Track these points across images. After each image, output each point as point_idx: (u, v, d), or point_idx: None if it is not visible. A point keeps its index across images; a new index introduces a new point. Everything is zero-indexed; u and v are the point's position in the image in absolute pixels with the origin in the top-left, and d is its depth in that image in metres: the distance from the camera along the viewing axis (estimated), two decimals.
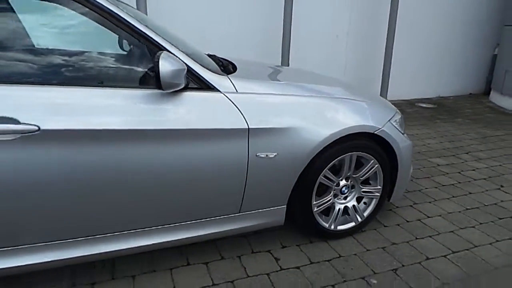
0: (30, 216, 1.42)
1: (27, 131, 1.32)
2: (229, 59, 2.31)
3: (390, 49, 5.44)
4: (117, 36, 1.80)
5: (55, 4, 1.47)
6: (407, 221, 2.41)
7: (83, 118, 1.40)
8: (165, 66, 1.39)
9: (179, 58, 1.52)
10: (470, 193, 2.86)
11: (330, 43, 5.51)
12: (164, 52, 1.43)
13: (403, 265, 1.97)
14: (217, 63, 1.95)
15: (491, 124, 4.90)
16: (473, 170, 3.32)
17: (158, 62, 1.38)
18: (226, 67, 2.01)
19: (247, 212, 1.87)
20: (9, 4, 1.52)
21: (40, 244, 1.49)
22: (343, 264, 1.96)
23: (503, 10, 6.54)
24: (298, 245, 2.11)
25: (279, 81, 2.03)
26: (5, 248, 1.44)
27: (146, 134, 1.50)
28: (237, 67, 2.06)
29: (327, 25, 5.39)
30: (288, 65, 4.79)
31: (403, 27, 5.63)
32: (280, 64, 4.77)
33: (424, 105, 6.02)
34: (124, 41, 2.14)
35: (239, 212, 1.85)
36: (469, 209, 2.60)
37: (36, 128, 1.33)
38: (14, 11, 1.52)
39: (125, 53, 1.83)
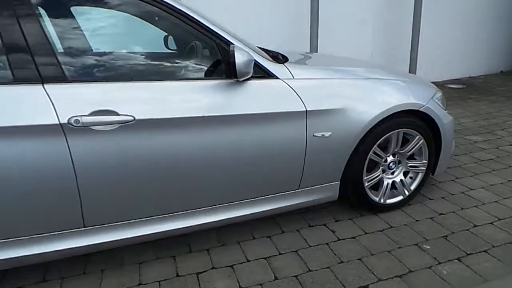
0: (125, 196, 1.65)
1: (125, 122, 1.54)
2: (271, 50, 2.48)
3: (417, 31, 5.47)
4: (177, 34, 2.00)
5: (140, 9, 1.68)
6: (451, 194, 2.54)
7: (170, 108, 1.61)
8: (240, 57, 1.58)
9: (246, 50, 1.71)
10: (510, 166, 2.94)
11: (355, 26, 5.58)
12: (236, 45, 1.62)
13: (452, 232, 2.11)
14: (267, 54, 2.13)
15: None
16: (510, 145, 3.39)
17: (233, 54, 1.57)
18: (277, 57, 2.19)
19: (306, 188, 2.05)
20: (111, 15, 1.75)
21: (141, 219, 1.72)
22: (396, 233, 2.12)
23: None
24: (350, 219, 2.28)
25: (327, 66, 2.19)
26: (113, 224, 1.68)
27: (224, 119, 1.70)
28: (287, 56, 2.23)
29: (352, 9, 5.46)
30: (317, 51, 4.91)
31: (428, 7, 5.63)
32: (309, 51, 4.89)
33: (454, 86, 6.02)
34: (170, 38, 2.36)
35: (299, 188, 2.03)
36: (510, 180, 2.70)
37: (132, 118, 1.55)
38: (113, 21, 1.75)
39: (193, 49, 2.03)
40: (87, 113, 1.50)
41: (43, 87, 1.47)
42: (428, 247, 1.99)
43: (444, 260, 1.87)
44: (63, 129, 1.47)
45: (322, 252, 1.96)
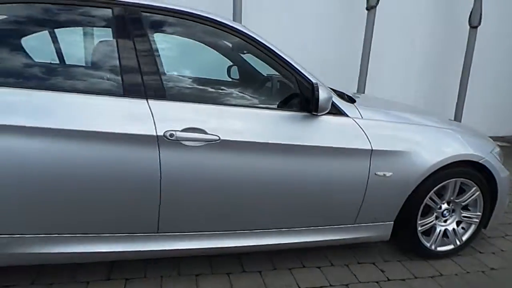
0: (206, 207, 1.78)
1: (211, 140, 1.70)
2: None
3: (465, 86, 5.52)
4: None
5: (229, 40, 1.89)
6: (502, 250, 2.51)
7: (251, 133, 1.77)
8: (323, 94, 1.74)
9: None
10: None
11: (402, 76, 5.70)
12: (319, 83, 1.78)
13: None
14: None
15: None
16: None
17: (318, 90, 1.72)
18: (343, 97, 2.33)
19: (360, 224, 2.12)
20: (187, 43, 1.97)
21: (207, 232, 1.84)
22: (446, 282, 2.11)
23: None
24: (399, 261, 2.30)
25: (391, 110, 2.30)
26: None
27: (297, 149, 1.83)
28: (353, 97, 2.36)
29: (401, 56, 5.61)
30: (364, 92, 5.05)
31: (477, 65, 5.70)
32: (356, 91, 5.03)
33: (499, 143, 5.94)
34: (234, 68, 2.55)
35: (354, 223, 2.10)
36: None
37: (218, 138, 1.71)
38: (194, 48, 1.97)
39: (269, 81, 2.21)
40: (180, 129, 1.67)
41: (147, 102, 1.67)
42: None
43: None
44: (158, 141, 1.65)
45: None
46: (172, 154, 1.67)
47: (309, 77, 1.89)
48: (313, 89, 1.78)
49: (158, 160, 1.66)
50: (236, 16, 4.52)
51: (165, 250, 1.82)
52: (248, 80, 2.42)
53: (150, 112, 1.65)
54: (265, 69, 2.28)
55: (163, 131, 1.65)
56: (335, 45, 5.29)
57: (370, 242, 2.27)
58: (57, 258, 1.71)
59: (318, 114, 1.81)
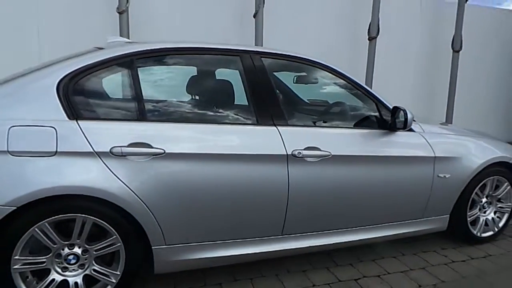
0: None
1: (325, 156, 2.15)
2: None
3: (452, 97, 6.28)
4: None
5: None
6: None
7: (352, 148, 2.24)
8: (410, 116, 2.25)
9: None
10: None
11: (398, 90, 6.40)
12: (402, 107, 2.28)
13: None
14: None
15: None
16: None
17: (406, 113, 2.23)
18: None
19: (427, 218, 2.61)
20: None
21: (320, 232, 2.26)
22: (496, 260, 2.62)
23: None
24: (454, 248, 2.79)
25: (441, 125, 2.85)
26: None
27: (380, 159, 2.31)
28: None
29: (398, 75, 6.31)
30: None
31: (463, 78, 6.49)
32: None
33: None
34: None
35: (422, 218, 2.59)
36: None
37: (329, 154, 2.16)
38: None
39: (340, 107, 2.69)
40: (303, 148, 2.11)
41: (277, 128, 2.11)
42: None
43: (500, 269, 2.38)
44: (287, 159, 2.08)
45: (444, 270, 2.46)
46: (298, 168, 2.10)
47: (385, 102, 2.41)
48: (394, 111, 2.29)
49: (287, 175, 2.08)
50: (258, 39, 5.06)
51: (287, 249, 2.21)
52: (337, 107, 2.88)
53: (279, 136, 2.09)
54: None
55: (291, 150, 2.08)
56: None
57: (431, 233, 2.74)
58: (220, 261, 2.07)
59: (405, 130, 2.32)
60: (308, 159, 2.12)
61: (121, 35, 4.67)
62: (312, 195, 2.17)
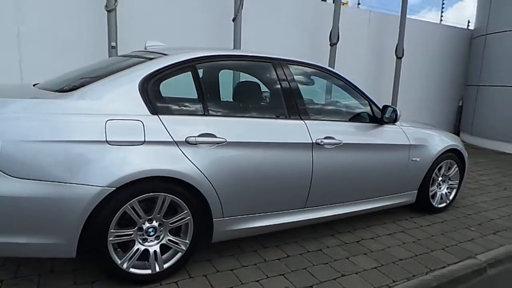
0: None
1: (338, 143, 2.72)
2: None
3: (396, 93, 7.32)
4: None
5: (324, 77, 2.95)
6: (466, 205, 3.98)
7: (355, 138, 2.84)
8: (399, 112, 2.91)
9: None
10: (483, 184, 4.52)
11: None
12: (392, 106, 2.93)
13: (480, 224, 3.49)
14: None
15: (471, 154, 6.82)
16: (483, 180, 5.05)
17: (396, 111, 2.89)
18: None
19: (403, 193, 3.33)
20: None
21: (330, 205, 2.83)
22: (450, 224, 3.43)
23: (464, 74, 8.90)
24: (419, 217, 3.55)
25: (412, 122, 3.59)
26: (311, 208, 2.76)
27: (373, 146, 2.96)
28: None
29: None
30: None
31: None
32: None
33: None
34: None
35: (400, 193, 3.30)
36: (498, 198, 4.25)
37: (340, 141, 2.74)
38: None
39: (353, 105, 3.28)
40: (323, 137, 2.66)
41: (304, 122, 2.63)
42: (473, 229, 3.33)
43: (487, 233, 3.22)
44: (312, 146, 2.61)
45: (417, 231, 3.19)
46: (319, 153, 2.65)
47: (376, 103, 3.06)
48: (384, 109, 2.95)
49: (311, 159, 2.62)
50: (236, 42, 5.51)
51: (308, 219, 2.75)
52: (339, 105, 3.44)
53: (306, 127, 2.62)
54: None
55: (315, 139, 2.62)
56: None
57: (403, 205, 3.47)
58: (259, 231, 2.53)
59: (395, 124, 2.98)
60: (326, 146, 2.68)
61: (109, 33, 4.82)
62: (328, 174, 2.73)
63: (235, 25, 5.54)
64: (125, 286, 2.13)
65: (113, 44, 4.77)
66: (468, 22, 9.41)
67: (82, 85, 2.12)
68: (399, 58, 7.29)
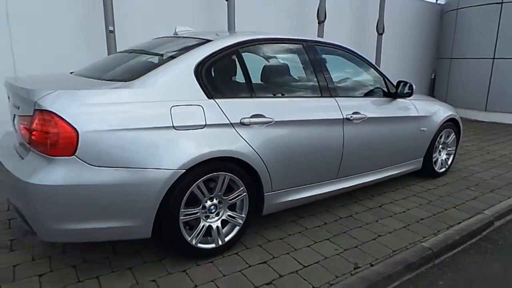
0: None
1: (363, 118, 2.95)
2: None
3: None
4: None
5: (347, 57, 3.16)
6: (463, 168, 4.39)
7: (373, 111, 3.07)
8: (414, 86, 3.16)
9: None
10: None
11: None
12: (408, 81, 3.18)
13: (477, 185, 3.90)
14: None
15: None
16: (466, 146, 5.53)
17: (412, 86, 3.14)
18: None
19: (412, 160, 3.65)
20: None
21: (354, 175, 3.08)
22: (452, 184, 3.81)
23: (436, 48, 9.40)
24: (424, 181, 3.90)
25: (419, 95, 3.88)
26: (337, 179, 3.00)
27: (389, 119, 3.21)
28: None
29: None
30: None
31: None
32: None
33: None
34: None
35: (410, 160, 3.62)
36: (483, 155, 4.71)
37: (365, 116, 2.96)
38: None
39: (371, 81, 3.48)
40: (351, 112, 2.87)
41: (335, 100, 2.82)
42: (473, 188, 3.73)
43: (485, 192, 3.62)
44: (343, 121, 2.82)
45: (427, 194, 3.54)
46: (349, 127, 2.87)
47: (390, 80, 3.31)
48: (398, 84, 3.20)
49: (342, 132, 2.83)
50: (231, 22, 5.56)
51: (339, 189, 2.99)
52: (359, 82, 3.61)
53: (336, 104, 2.81)
54: None
55: (345, 115, 2.83)
56: None
57: (410, 172, 3.80)
58: (299, 202, 2.73)
59: (406, 98, 3.25)
60: (355, 121, 2.90)
61: (105, 17, 4.72)
62: (355, 146, 2.96)
63: (229, 5, 5.55)
64: (193, 260, 2.28)
65: (111, 28, 4.67)
66: None
67: (138, 73, 2.18)
68: (380, 34, 7.60)
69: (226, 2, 5.57)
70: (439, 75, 9.05)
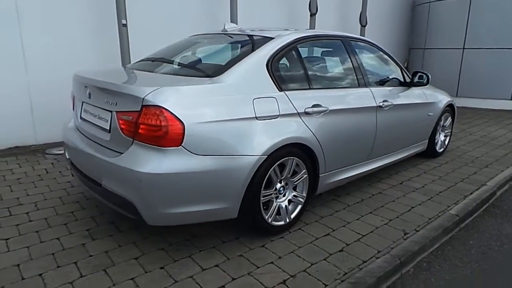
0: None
1: (390, 105, 3.32)
2: None
3: None
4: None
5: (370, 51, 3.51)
6: (452, 150, 4.94)
7: (399, 99, 3.46)
8: (430, 76, 3.56)
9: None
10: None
11: None
12: (423, 71, 3.59)
13: (473, 162, 4.44)
14: None
15: None
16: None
17: (428, 76, 3.55)
18: None
19: (421, 142, 4.11)
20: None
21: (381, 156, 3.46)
22: (453, 162, 4.32)
23: (408, 39, 10.08)
24: (427, 160, 4.39)
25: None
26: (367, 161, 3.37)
27: (408, 106, 3.62)
28: None
29: None
30: None
31: None
32: None
33: None
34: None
35: (419, 142, 4.07)
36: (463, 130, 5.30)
37: (391, 104, 3.33)
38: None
39: (391, 72, 3.82)
40: (382, 101, 3.23)
41: (370, 89, 3.16)
42: (471, 165, 4.26)
43: (481, 167, 4.16)
44: (376, 109, 3.18)
45: (435, 171, 4.01)
46: (380, 114, 3.23)
47: (404, 68, 3.71)
48: (414, 74, 3.61)
49: (375, 119, 3.19)
50: (233, 17, 5.75)
51: (369, 169, 3.36)
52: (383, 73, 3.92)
53: (371, 94, 3.16)
54: None
55: (378, 103, 3.18)
56: None
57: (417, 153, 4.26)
58: (342, 182, 3.06)
59: (423, 87, 3.66)
60: (385, 108, 3.26)
61: (117, 11, 4.75)
62: (384, 130, 3.33)
63: (232, 1, 5.72)
64: (266, 237, 2.55)
65: (124, 22, 4.70)
66: None
67: (219, 68, 2.40)
68: (363, 26, 8.07)
69: None
70: (413, 64, 9.74)
